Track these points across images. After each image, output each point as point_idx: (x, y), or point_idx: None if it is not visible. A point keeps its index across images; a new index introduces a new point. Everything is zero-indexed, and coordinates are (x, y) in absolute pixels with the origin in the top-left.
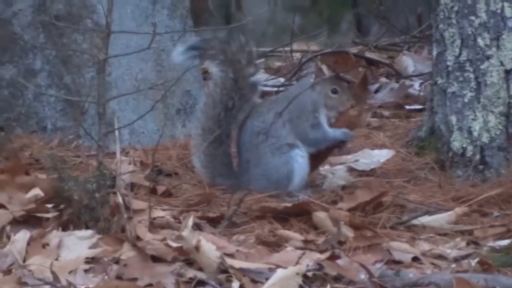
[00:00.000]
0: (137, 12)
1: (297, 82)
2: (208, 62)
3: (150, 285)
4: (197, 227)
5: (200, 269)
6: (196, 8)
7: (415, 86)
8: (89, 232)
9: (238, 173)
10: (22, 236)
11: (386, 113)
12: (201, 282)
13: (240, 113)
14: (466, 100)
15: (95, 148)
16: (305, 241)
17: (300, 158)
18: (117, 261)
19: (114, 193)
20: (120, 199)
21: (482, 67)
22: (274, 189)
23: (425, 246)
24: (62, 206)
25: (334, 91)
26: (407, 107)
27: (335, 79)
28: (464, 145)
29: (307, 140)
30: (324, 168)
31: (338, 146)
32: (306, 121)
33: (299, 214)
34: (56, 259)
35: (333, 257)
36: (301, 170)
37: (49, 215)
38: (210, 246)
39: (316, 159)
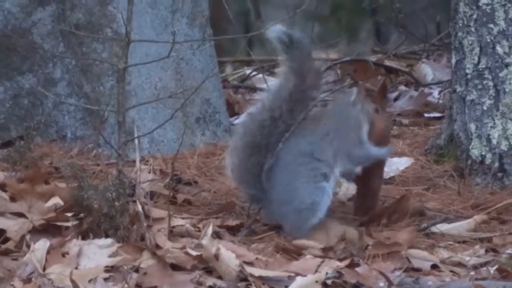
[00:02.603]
0: (157, 21)
1: (334, 98)
2: (281, 59)
3: None
4: (216, 235)
5: (220, 277)
6: (215, 16)
7: (434, 94)
8: (108, 240)
9: (264, 183)
10: (42, 245)
11: (405, 121)
12: None
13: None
14: (485, 107)
15: (115, 156)
16: (324, 249)
17: (329, 190)
18: (136, 270)
19: (134, 201)
20: (139, 208)
21: (501, 74)
22: (295, 217)
23: (444, 254)
24: (81, 214)
25: (376, 110)
26: (426, 115)
27: (374, 96)
28: (483, 153)
29: (352, 158)
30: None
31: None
32: (352, 140)
33: None
34: (76, 268)
35: (352, 265)
36: (327, 203)
37: (69, 224)
38: (230, 254)
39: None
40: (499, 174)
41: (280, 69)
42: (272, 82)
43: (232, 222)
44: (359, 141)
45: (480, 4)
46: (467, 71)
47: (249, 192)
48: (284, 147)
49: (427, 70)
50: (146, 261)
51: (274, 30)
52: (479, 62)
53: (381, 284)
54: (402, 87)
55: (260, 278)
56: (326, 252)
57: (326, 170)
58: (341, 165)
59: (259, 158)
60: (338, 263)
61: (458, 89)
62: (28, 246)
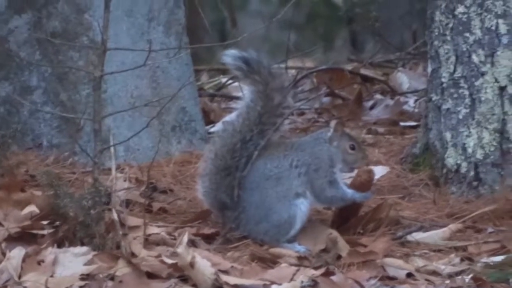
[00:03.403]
0: (133, 29)
1: (312, 133)
2: (244, 83)
3: None
4: (192, 243)
5: (195, 286)
6: (191, 25)
7: (410, 103)
8: (84, 248)
9: (237, 205)
10: (17, 253)
11: (380, 129)
12: None
13: (255, 147)
14: (460, 116)
15: (91, 164)
16: (300, 258)
17: (303, 207)
18: (112, 278)
19: (109, 209)
20: (115, 216)
21: (476, 83)
22: (275, 233)
23: (419, 262)
24: (57, 223)
25: (352, 147)
26: (402, 123)
27: (351, 134)
28: (459, 162)
29: (323, 197)
30: None
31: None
32: (324, 177)
33: None
34: (52, 276)
35: (327, 274)
36: (303, 217)
37: (45, 232)
38: (205, 263)
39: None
40: (475, 183)
41: (245, 92)
42: (240, 103)
43: (207, 230)
44: (331, 182)
45: (456, 13)
46: (443, 80)
47: (223, 213)
48: (252, 168)
49: (403, 79)
50: (121, 269)
51: (229, 56)
52: (455, 71)
53: None
54: (378, 96)
55: (236, 286)
56: (302, 260)
57: (298, 190)
58: (311, 201)
59: (232, 180)
60: (313, 272)
61: (434, 97)
62: (4, 254)
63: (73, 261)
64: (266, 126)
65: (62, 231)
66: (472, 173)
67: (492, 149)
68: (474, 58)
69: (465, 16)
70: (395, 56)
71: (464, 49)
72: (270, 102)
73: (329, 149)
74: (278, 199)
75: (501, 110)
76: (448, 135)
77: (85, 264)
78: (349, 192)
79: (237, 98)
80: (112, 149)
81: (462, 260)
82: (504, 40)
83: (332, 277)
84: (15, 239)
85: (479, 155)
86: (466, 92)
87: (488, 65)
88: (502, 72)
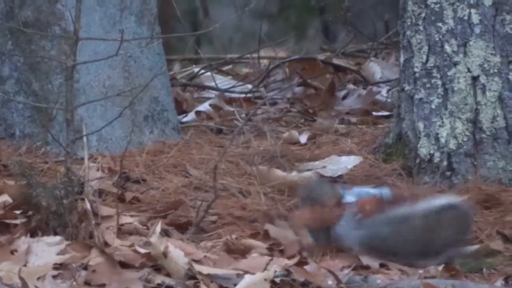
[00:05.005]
0: (105, 19)
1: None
2: None
3: None
4: (165, 233)
5: (168, 275)
6: (163, 15)
7: (383, 93)
8: (57, 238)
9: None
10: None
11: (353, 119)
12: None
13: None
14: (433, 106)
15: (63, 154)
16: (271, 249)
17: None
18: (85, 267)
19: (82, 199)
20: (88, 206)
21: (449, 73)
22: None
23: None
24: (30, 212)
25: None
26: (375, 113)
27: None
28: (431, 152)
29: None
30: (291, 175)
31: None
32: None
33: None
34: (25, 265)
35: (301, 263)
36: None
37: (17, 222)
38: (178, 252)
39: None
40: (448, 173)
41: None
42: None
43: (180, 220)
44: None
45: (428, 2)
46: (416, 69)
47: None
48: None
49: (375, 69)
50: (94, 258)
51: None
52: (427, 60)
53: (330, 282)
54: (351, 86)
55: (209, 276)
56: (274, 250)
57: None
58: None
59: None
60: (286, 261)
61: (406, 87)
62: None
63: (46, 250)
64: None
65: (35, 220)
66: (445, 163)
67: (465, 139)
68: (447, 48)
69: (438, 6)
70: (368, 46)
71: (437, 39)
72: None
73: None
74: None
75: (474, 100)
76: (420, 125)
77: (58, 254)
78: None
79: (210, 88)
80: (84, 138)
81: None
82: (477, 30)
83: (306, 267)
84: None
85: (452, 145)
86: (439, 82)
87: (461, 55)
88: (474, 62)
